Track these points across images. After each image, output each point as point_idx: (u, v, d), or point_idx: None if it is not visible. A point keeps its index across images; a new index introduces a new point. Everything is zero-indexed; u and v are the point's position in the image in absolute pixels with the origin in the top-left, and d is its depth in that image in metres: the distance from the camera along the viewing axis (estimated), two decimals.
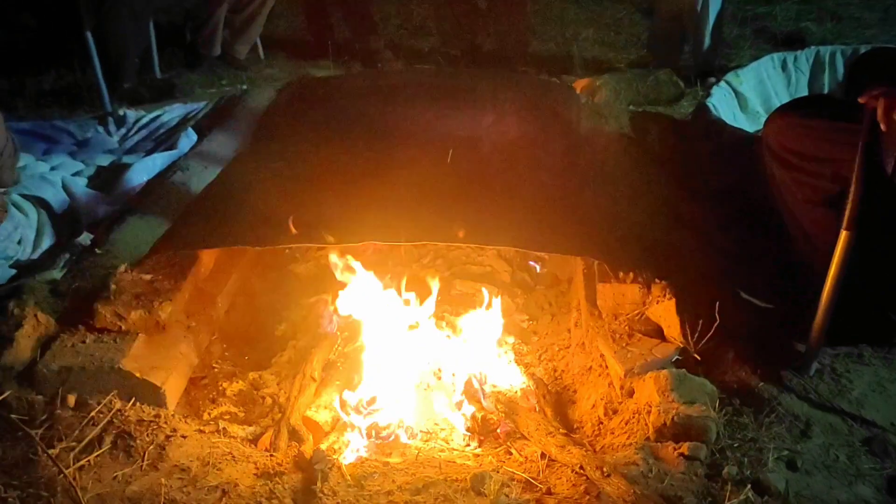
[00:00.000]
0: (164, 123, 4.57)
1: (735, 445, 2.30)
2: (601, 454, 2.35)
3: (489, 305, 3.10)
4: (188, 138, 4.12)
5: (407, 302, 3.04)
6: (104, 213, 3.47)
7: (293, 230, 2.74)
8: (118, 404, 2.48)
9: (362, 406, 2.75)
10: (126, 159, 4.01)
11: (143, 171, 3.76)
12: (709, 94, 4.33)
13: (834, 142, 2.60)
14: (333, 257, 3.00)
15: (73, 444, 2.30)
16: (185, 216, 3.18)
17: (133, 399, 2.52)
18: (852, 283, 2.49)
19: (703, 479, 2.17)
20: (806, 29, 6.50)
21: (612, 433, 2.49)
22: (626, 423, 2.46)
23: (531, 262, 3.52)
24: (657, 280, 2.72)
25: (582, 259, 3.03)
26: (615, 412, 2.56)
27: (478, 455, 2.61)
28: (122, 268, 2.84)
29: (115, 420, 2.42)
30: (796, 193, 2.80)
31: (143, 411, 2.51)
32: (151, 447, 2.37)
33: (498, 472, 2.38)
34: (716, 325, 2.46)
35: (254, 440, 2.63)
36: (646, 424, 2.36)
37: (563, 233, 2.92)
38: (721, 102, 4.27)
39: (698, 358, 2.50)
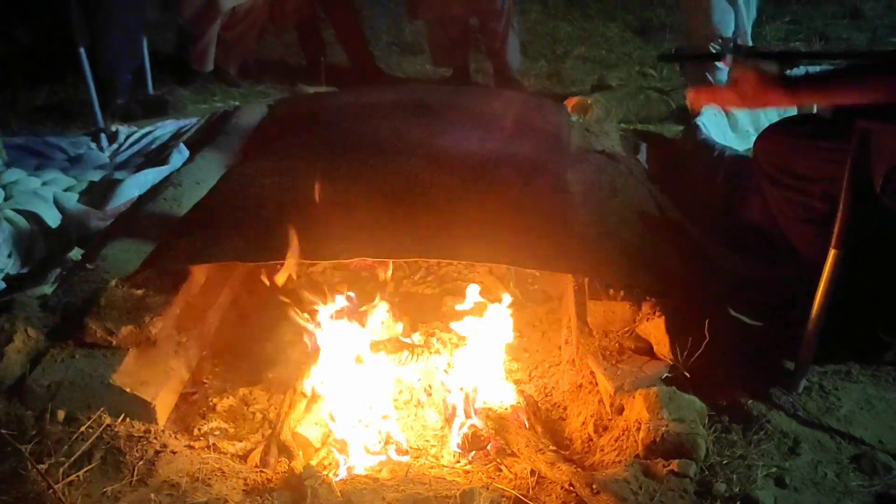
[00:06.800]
0: (155, 139, 4.58)
1: (724, 462, 2.30)
2: (591, 471, 2.35)
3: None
4: (180, 154, 4.13)
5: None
6: (95, 228, 3.47)
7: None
8: (108, 420, 2.47)
9: (352, 422, 2.74)
10: (117, 175, 4.02)
11: (134, 186, 3.77)
12: (699, 113, 4.36)
13: (823, 160, 2.62)
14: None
15: (63, 459, 2.29)
16: (176, 231, 3.18)
17: (123, 414, 2.51)
18: (841, 301, 2.50)
19: (692, 495, 2.17)
20: (795, 48, 6.54)
21: (602, 450, 2.49)
22: (616, 440, 2.46)
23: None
24: (647, 298, 2.73)
25: (572, 276, 3.04)
26: (605, 429, 2.56)
27: (468, 472, 2.61)
28: (113, 283, 2.84)
29: (104, 435, 2.41)
30: (785, 211, 2.82)
31: (133, 427, 2.51)
32: (141, 463, 2.36)
33: (488, 488, 2.38)
34: (705, 342, 2.46)
35: (244, 456, 2.63)
36: (635, 441, 2.36)
37: (554, 250, 2.93)
38: (711, 121, 4.30)
39: (688, 375, 2.50)
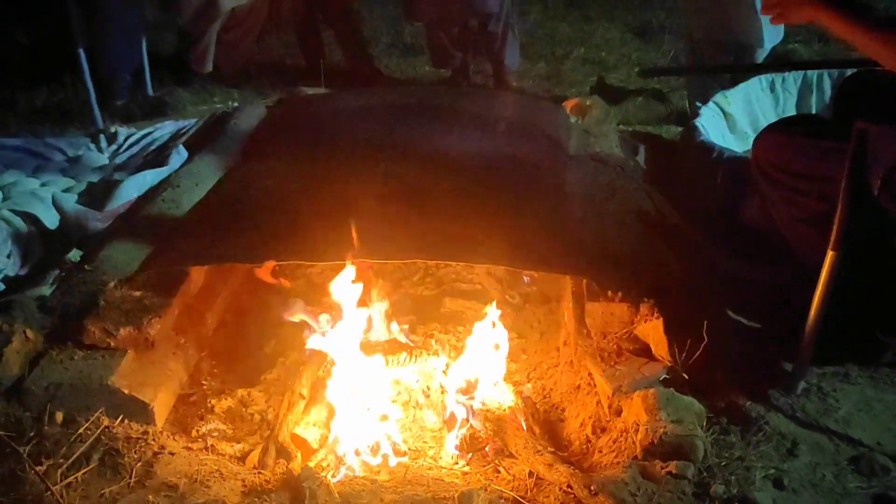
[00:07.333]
0: (154, 140, 4.58)
1: (722, 464, 2.31)
2: (589, 473, 2.35)
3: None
4: (179, 155, 4.11)
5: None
6: (94, 229, 3.46)
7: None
8: (106, 421, 2.48)
9: (351, 423, 2.74)
10: (116, 176, 4.01)
11: (133, 187, 3.76)
12: (697, 115, 4.35)
13: (821, 161, 2.62)
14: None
15: (61, 460, 2.30)
16: (175, 233, 3.18)
17: (121, 416, 2.52)
18: (839, 303, 2.50)
19: (690, 497, 2.17)
20: (794, 51, 6.53)
21: (600, 452, 2.49)
22: (614, 442, 2.47)
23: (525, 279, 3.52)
24: (645, 299, 2.73)
25: (571, 278, 3.04)
26: (603, 431, 2.57)
27: (466, 473, 2.61)
28: (112, 284, 2.84)
29: (102, 437, 2.42)
30: (783, 212, 2.82)
31: (132, 428, 2.51)
32: (139, 464, 2.36)
33: (486, 490, 2.39)
34: (703, 344, 2.46)
35: (242, 457, 2.63)
36: (633, 443, 2.36)
37: (553, 251, 2.93)
38: (710, 123, 4.30)
39: (686, 377, 2.51)
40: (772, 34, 4.98)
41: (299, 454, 2.60)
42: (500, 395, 2.91)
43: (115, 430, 2.47)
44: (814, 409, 2.56)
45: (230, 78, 6.12)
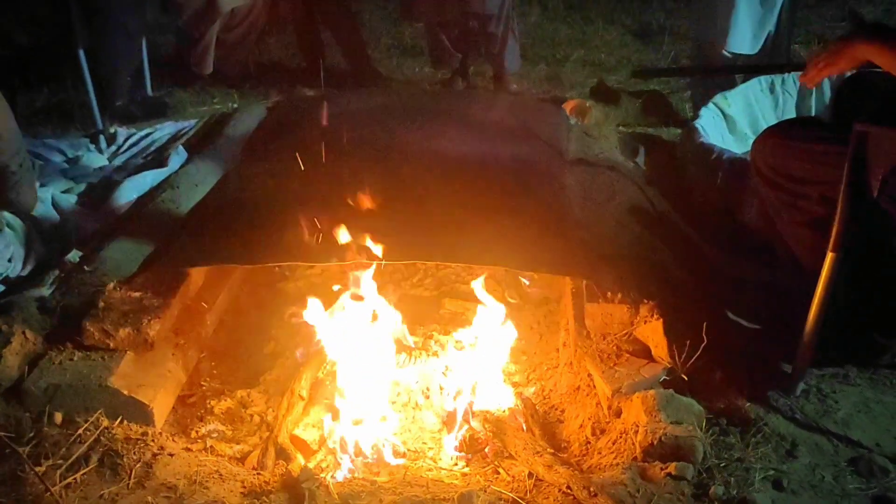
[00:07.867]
0: (154, 141, 4.58)
1: (722, 465, 2.30)
2: (588, 474, 2.35)
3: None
4: (178, 156, 4.12)
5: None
6: (94, 230, 3.47)
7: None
8: (105, 422, 2.48)
9: (350, 424, 2.74)
10: (116, 177, 4.01)
11: (133, 188, 3.77)
12: (697, 116, 4.35)
13: (821, 164, 2.62)
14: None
15: (60, 461, 2.30)
16: (174, 234, 3.18)
17: (120, 417, 2.52)
18: (838, 304, 2.50)
19: (689, 498, 2.17)
20: (793, 52, 6.53)
21: (600, 453, 2.49)
22: (614, 443, 2.46)
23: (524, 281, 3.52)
24: (645, 300, 2.73)
25: (570, 279, 3.04)
26: (603, 432, 2.57)
27: (465, 474, 2.61)
28: (111, 285, 2.84)
29: (102, 438, 2.42)
30: (783, 214, 2.82)
31: (131, 429, 2.51)
32: (138, 465, 2.36)
33: (485, 491, 2.38)
34: (703, 345, 2.47)
35: (241, 458, 2.63)
36: (633, 444, 2.36)
37: (552, 252, 2.93)
38: (709, 124, 4.29)
39: (685, 378, 2.51)
40: (747, 44, 4.97)
41: (298, 455, 2.60)
42: (499, 397, 2.91)
43: (114, 431, 2.47)
44: (813, 411, 2.56)
45: (230, 79, 6.13)
